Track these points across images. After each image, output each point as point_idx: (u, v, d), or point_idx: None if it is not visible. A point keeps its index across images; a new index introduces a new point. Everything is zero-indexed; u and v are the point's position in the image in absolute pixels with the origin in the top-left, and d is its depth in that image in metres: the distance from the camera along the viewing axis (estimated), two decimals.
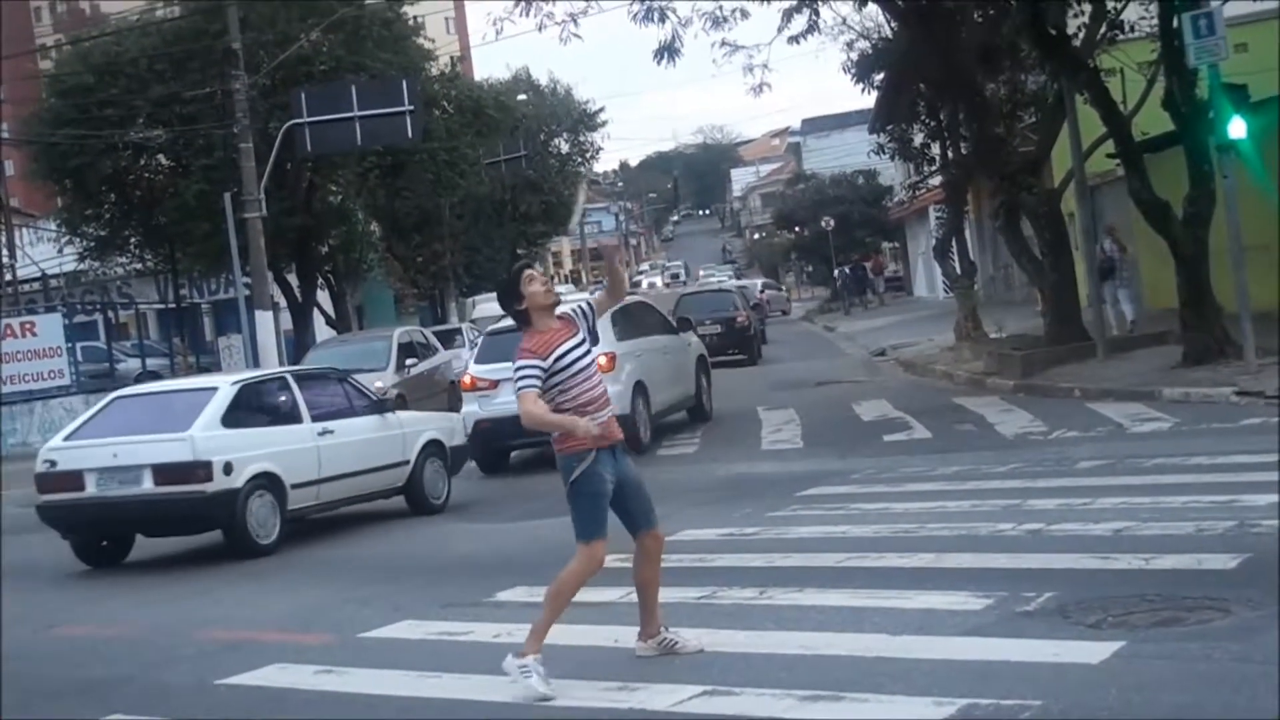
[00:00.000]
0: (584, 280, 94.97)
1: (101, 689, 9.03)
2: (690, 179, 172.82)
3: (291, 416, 14.74)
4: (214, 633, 10.43)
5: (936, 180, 36.21)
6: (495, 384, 19.03)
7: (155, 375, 33.99)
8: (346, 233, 41.74)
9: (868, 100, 36.52)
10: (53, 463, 14.41)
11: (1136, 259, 27.07)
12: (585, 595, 10.19)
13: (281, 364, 32.71)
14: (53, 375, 32.84)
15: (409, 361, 27.84)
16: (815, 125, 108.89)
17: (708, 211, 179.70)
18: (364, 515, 15.81)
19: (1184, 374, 19.16)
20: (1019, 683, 6.91)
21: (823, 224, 68.26)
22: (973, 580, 9.22)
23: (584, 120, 72.71)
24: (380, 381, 26.42)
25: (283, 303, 37.64)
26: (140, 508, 13.83)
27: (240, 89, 30.05)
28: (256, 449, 13.99)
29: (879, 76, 32.06)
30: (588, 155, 74.82)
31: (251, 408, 14.56)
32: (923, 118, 32.66)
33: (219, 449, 13.53)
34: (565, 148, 72.06)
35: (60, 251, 42.94)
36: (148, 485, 13.72)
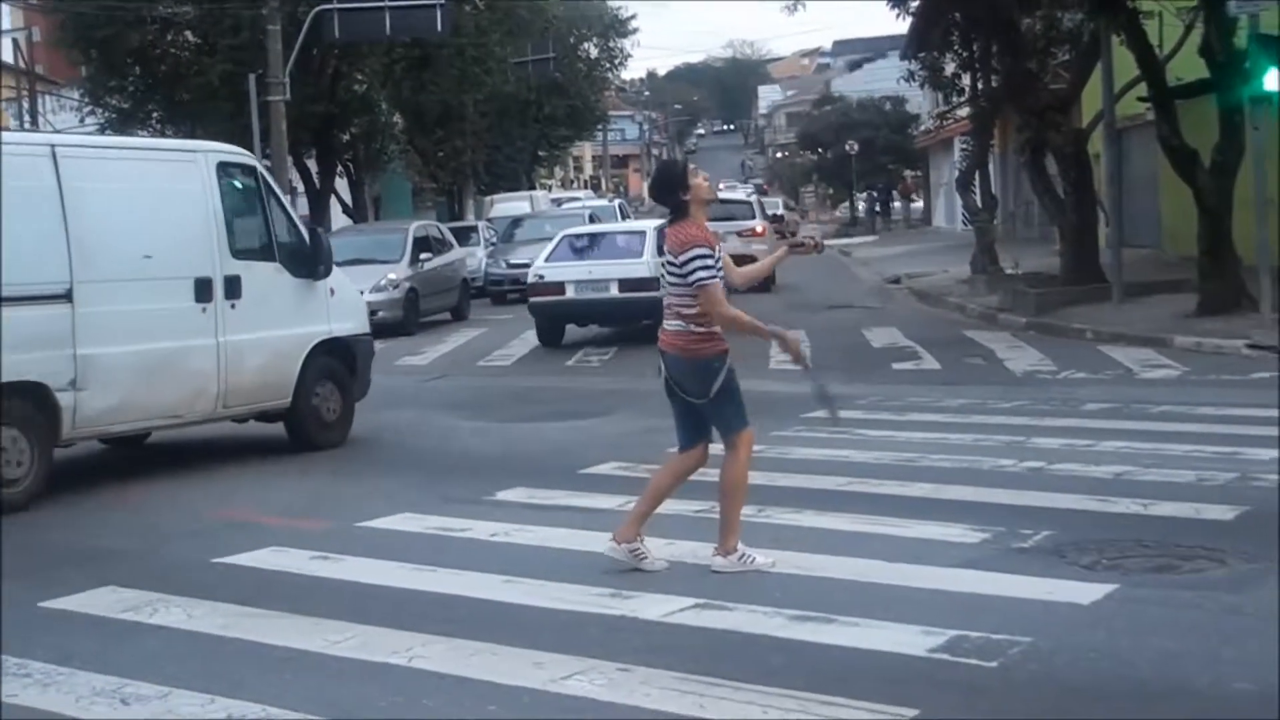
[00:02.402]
0: (603, 187, 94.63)
1: (101, 559, 9.12)
2: (717, 93, 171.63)
3: None
4: (218, 512, 10.51)
5: (964, 112, 35.92)
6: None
7: None
8: (369, 122, 41.53)
9: (901, 26, 36.12)
10: (541, 276, 22.25)
11: None
12: (581, 500, 10.34)
13: None
14: None
15: (423, 255, 27.80)
16: (847, 48, 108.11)
17: (732, 127, 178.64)
18: (378, 410, 15.86)
19: (1198, 323, 19.12)
20: (1009, 618, 6.94)
21: (847, 147, 67.92)
22: (971, 513, 9.24)
23: (615, 26, 72.11)
24: (393, 274, 26.46)
25: (300, 188, 37.56)
26: (608, 306, 21.49)
27: None
28: None
29: (915, 2, 31.74)
30: (616, 62, 74.33)
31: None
32: (955, 48, 32.34)
33: (658, 269, 14.56)
34: (594, 53, 71.51)
35: (81, 121, 42.77)
36: (614, 292, 21.27)
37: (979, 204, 31.70)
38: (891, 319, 24.36)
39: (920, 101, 66.32)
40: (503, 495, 10.67)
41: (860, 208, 74.13)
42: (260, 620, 7.46)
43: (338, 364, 13.88)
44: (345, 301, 14.28)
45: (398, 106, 45.55)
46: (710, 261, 8.01)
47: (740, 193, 49.44)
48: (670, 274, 8.14)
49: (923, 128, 66.22)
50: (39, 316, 11.14)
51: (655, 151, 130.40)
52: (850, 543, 8.70)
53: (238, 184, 13.20)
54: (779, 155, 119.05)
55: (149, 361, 11.88)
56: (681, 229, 8.14)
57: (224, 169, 12.99)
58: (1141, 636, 6.64)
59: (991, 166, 36.58)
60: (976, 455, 11.41)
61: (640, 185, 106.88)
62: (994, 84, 29.78)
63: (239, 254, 12.86)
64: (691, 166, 8.42)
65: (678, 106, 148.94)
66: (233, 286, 12.63)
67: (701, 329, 8.09)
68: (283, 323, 13.17)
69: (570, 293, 21.82)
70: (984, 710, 5.80)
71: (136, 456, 13.53)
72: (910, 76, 35.32)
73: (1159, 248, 31.17)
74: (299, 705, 6.06)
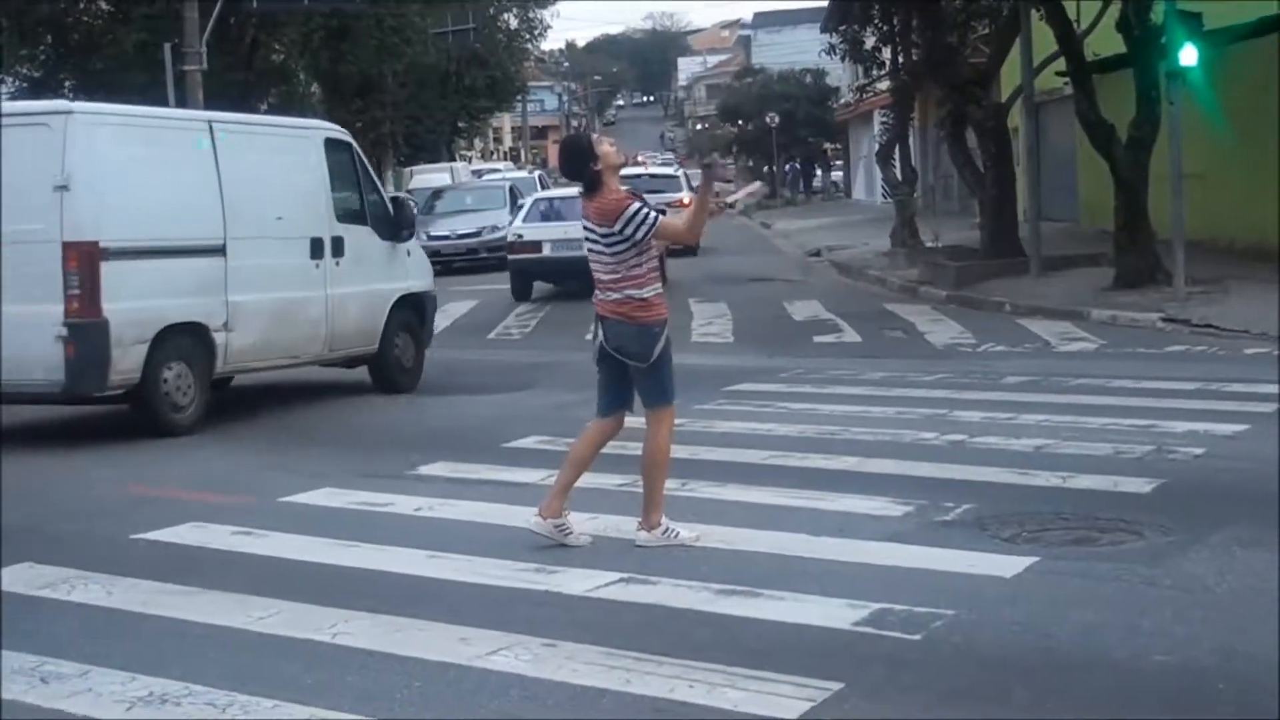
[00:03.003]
0: (523, 158, 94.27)
1: (15, 536, 8.94)
2: (636, 65, 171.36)
3: None
4: (132, 488, 10.38)
5: (885, 85, 36.04)
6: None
7: None
8: (287, 92, 41.15)
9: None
10: (520, 235, 24.97)
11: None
12: (504, 475, 10.31)
13: None
14: None
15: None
16: (767, 19, 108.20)
17: (652, 99, 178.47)
18: (289, 382, 15.72)
19: (1114, 296, 19.34)
20: (933, 591, 6.99)
21: (767, 120, 68.01)
22: (894, 487, 9.30)
23: None
24: None
25: None
26: (582, 263, 18.29)
27: None
28: None
29: None
30: (536, 32, 73.93)
31: None
32: (876, 21, 32.44)
33: None
34: (514, 23, 71.12)
35: None
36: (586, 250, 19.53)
37: (899, 177, 31.83)
38: (813, 292, 24.46)
39: (840, 74, 66.46)
40: (425, 470, 10.62)
41: (783, 180, 74.36)
42: (181, 597, 7.38)
43: (412, 316, 15.60)
44: (418, 262, 16.05)
45: (316, 77, 45.15)
46: (643, 211, 8.00)
47: (667, 167, 49.65)
48: (602, 244, 8.11)
49: (843, 100, 66.42)
50: (199, 267, 12.96)
51: (575, 123, 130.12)
52: (774, 516, 8.72)
53: (339, 157, 14.89)
54: (699, 127, 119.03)
55: (278, 308, 13.71)
56: (602, 198, 8.11)
57: (329, 144, 14.78)
58: (1062, 609, 6.70)
59: (911, 140, 36.71)
60: (899, 428, 11.47)
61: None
62: (914, 58, 29.87)
63: (341, 218, 14.57)
64: (596, 135, 8.38)
65: (597, 78, 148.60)
66: (338, 246, 14.34)
67: (643, 296, 8.08)
68: (374, 279, 14.88)
69: (546, 250, 24.65)
70: (909, 683, 5.83)
71: (47, 432, 13.35)
72: (831, 50, 35.40)
73: (1076, 221, 31.47)
74: (221, 682, 5.99)
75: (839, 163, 74.16)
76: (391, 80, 50.60)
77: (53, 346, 11.95)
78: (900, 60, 31.44)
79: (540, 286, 25.56)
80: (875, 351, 16.65)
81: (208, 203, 13.05)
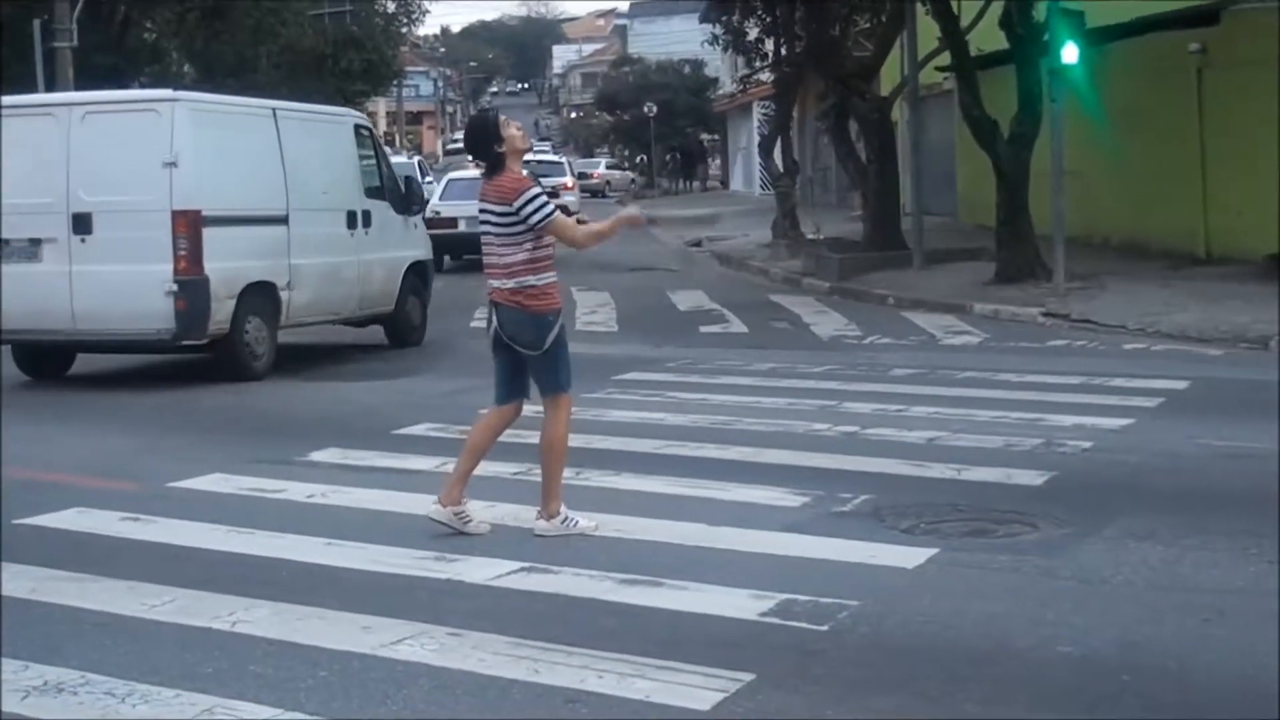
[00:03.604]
0: (398, 143, 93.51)
1: None
2: (511, 52, 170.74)
3: None
4: (13, 471, 10.11)
5: (767, 76, 36.19)
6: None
7: None
8: (159, 73, 40.41)
9: None
10: (438, 212, 26.55)
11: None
12: (396, 462, 10.19)
13: None
14: None
15: None
16: (643, 9, 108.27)
17: (526, 86, 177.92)
18: (171, 365, 15.45)
19: (995, 291, 19.56)
20: (836, 582, 6.99)
21: (645, 109, 68.06)
22: (789, 477, 9.31)
23: None
24: None
25: None
26: None
27: None
28: None
29: None
30: (413, 16, 73.32)
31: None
32: (759, 12, 32.56)
33: None
34: (391, 6, 70.48)
35: None
36: None
37: (781, 169, 31.97)
38: (695, 282, 24.49)
39: (719, 65, 66.71)
40: (316, 456, 10.46)
41: (615, 174, 74.52)
42: (71, 583, 7.20)
43: (419, 280, 17.79)
44: (422, 234, 18.29)
45: (188, 57, 44.44)
46: (543, 198, 7.95)
47: (550, 154, 49.95)
48: (497, 226, 8.02)
49: (722, 92, 66.67)
50: (269, 234, 15.07)
51: (450, 109, 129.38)
52: (671, 506, 8.69)
53: (363, 141, 17.16)
54: (574, 116, 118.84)
55: (326, 271, 15.82)
56: (501, 181, 8.02)
57: (356, 129, 17.24)
58: (965, 600, 6.74)
59: (792, 132, 36.92)
60: (791, 419, 11.50)
61: (435, 143, 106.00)
62: (798, 50, 30.02)
63: (367, 194, 16.79)
64: (504, 118, 8.25)
65: (472, 64, 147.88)
66: (366, 218, 16.56)
67: (537, 283, 8.01)
68: (391, 247, 16.99)
69: (462, 226, 26.67)
70: (819, 673, 5.82)
71: None
72: (714, 40, 35.47)
73: (954, 216, 31.83)
74: (119, 671, 5.85)
75: (716, 159, 74.41)
76: (266, 62, 49.88)
77: (164, 301, 13.88)
78: (783, 52, 31.57)
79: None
80: (762, 342, 16.69)
81: (275, 179, 15.28)
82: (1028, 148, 20.53)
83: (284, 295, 15.14)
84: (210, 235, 14.00)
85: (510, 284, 8.02)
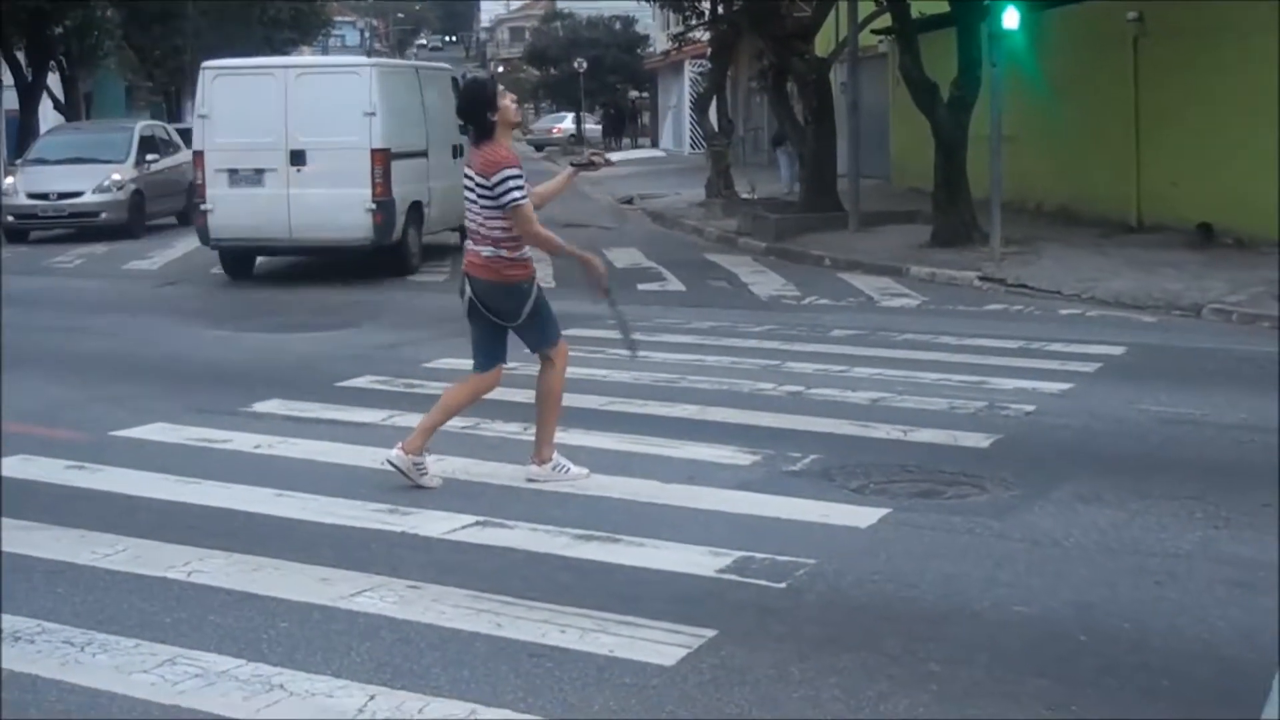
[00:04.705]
0: None
1: None
2: (438, 3, 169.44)
3: None
4: None
5: (703, 35, 36.08)
6: None
7: None
8: (83, 17, 39.79)
9: None
10: None
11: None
12: (341, 414, 10.14)
13: (6, 145, 31.40)
14: None
15: (149, 157, 26.81)
16: None
17: (454, 39, 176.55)
18: (109, 314, 15.28)
19: (932, 254, 19.62)
20: (791, 540, 7.04)
21: (575, 65, 67.70)
22: (737, 436, 9.34)
23: None
24: (118, 174, 25.52)
25: (8, 81, 35.89)
26: None
27: None
28: None
29: None
30: None
31: None
32: None
33: None
34: None
35: None
36: None
37: (716, 128, 31.91)
38: (630, 239, 24.43)
39: (649, 22, 66.47)
40: (259, 407, 10.39)
41: (588, 127, 74.33)
42: (21, 532, 7.14)
43: None
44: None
45: (115, 1, 43.75)
46: (521, 182, 7.95)
47: None
48: (479, 195, 8.04)
49: (650, 49, 66.46)
50: (418, 164, 19.81)
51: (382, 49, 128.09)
52: (621, 463, 8.72)
53: (455, 88, 18.95)
54: (501, 70, 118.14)
55: (446, 192, 19.37)
56: (490, 150, 8.02)
57: (452, 80, 21.19)
58: (920, 560, 6.80)
59: (726, 91, 36.82)
60: (735, 378, 11.51)
61: None
62: (735, 9, 29.93)
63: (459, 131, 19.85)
64: (500, 88, 8.25)
65: (400, 15, 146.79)
66: (458, 151, 19.91)
67: (512, 254, 8.04)
68: (455, 178, 18.50)
69: None
70: (779, 631, 5.86)
71: None
72: None
73: (887, 179, 31.92)
74: (76, 620, 5.82)
75: (645, 116, 74.32)
76: (193, 8, 49.23)
77: (365, 216, 18.49)
78: (720, 11, 31.48)
79: None
80: (700, 301, 16.68)
81: (419, 122, 20.06)
82: (966, 111, 20.59)
83: (427, 211, 20.07)
84: (394, 167, 18.66)
85: (486, 251, 8.04)
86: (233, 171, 18.94)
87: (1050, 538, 7.15)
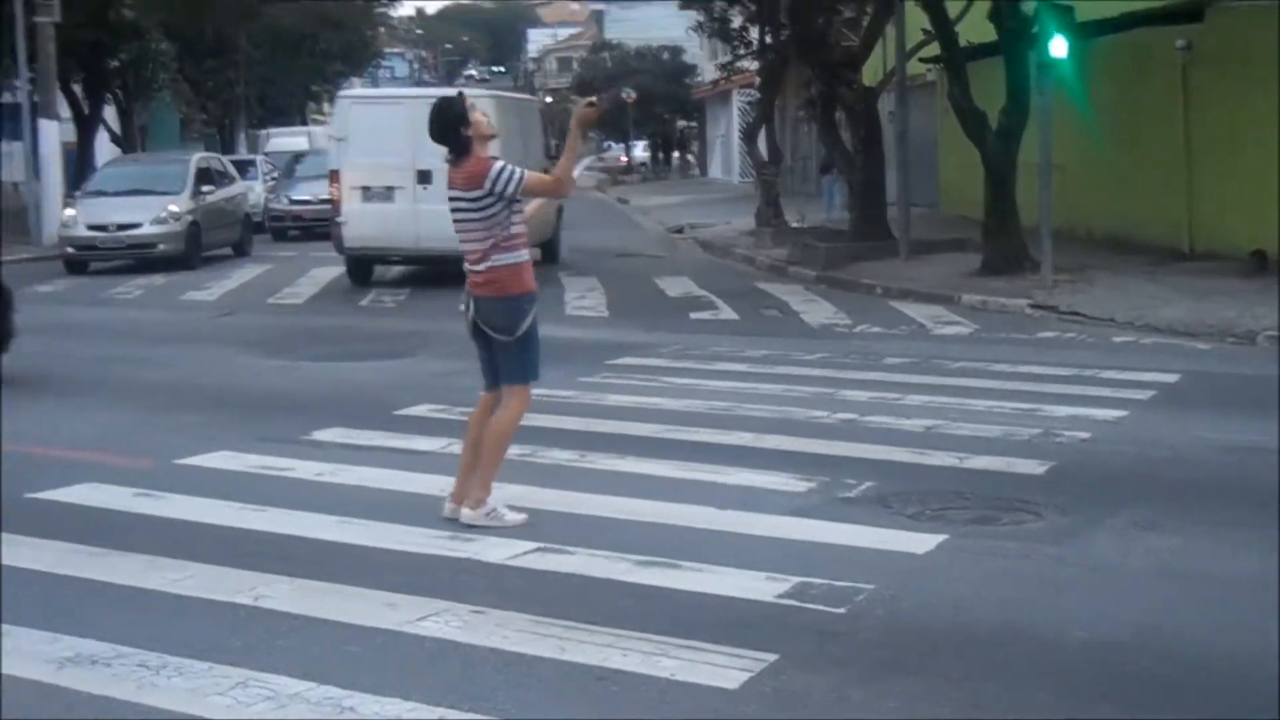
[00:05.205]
0: None
1: None
2: (486, 34, 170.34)
3: None
4: (20, 446, 10.13)
5: (752, 65, 36.17)
6: None
7: None
8: (139, 49, 40.28)
9: None
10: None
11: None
12: (400, 442, 10.25)
13: (65, 176, 31.76)
14: None
15: (205, 188, 27.07)
16: None
17: (502, 69, 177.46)
18: (171, 344, 15.47)
19: (983, 282, 19.65)
20: (849, 566, 7.09)
21: (623, 95, 67.81)
22: (792, 463, 9.39)
23: None
24: (174, 206, 25.80)
25: (66, 114, 36.33)
26: None
27: None
28: None
29: None
30: None
31: None
32: (743, 0, 32.58)
33: None
34: None
35: None
36: None
37: (765, 157, 32.00)
38: (681, 269, 24.50)
39: (698, 52, 66.66)
40: (319, 435, 10.50)
41: (639, 156, 74.73)
42: (92, 558, 7.26)
43: None
44: None
45: (169, 34, 44.29)
46: (510, 167, 7.93)
47: None
48: (469, 210, 7.98)
49: (699, 79, 66.61)
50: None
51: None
52: (677, 489, 8.77)
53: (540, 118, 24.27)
54: (549, 100, 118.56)
55: (537, 208, 20.43)
56: (470, 164, 7.98)
57: (538, 111, 25.39)
58: (978, 585, 6.84)
59: (775, 120, 36.93)
60: (789, 406, 11.56)
61: None
62: (783, 38, 30.05)
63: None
64: (469, 102, 8.18)
65: (448, 46, 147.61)
66: (546, 171, 22.02)
67: (508, 263, 7.98)
68: None
69: None
70: (840, 655, 5.92)
71: None
72: (699, 27, 35.48)
73: (936, 207, 31.95)
74: (150, 644, 5.91)
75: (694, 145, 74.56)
76: (246, 41, 49.81)
77: None
78: (768, 40, 31.60)
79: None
80: (753, 330, 16.75)
81: (521, 146, 21.41)
82: (1015, 140, 20.62)
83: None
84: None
85: (482, 266, 8.00)
86: (366, 188, 21.32)
87: (1109, 563, 7.19)
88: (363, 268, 22.54)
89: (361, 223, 21.37)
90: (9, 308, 13.51)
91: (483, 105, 19.61)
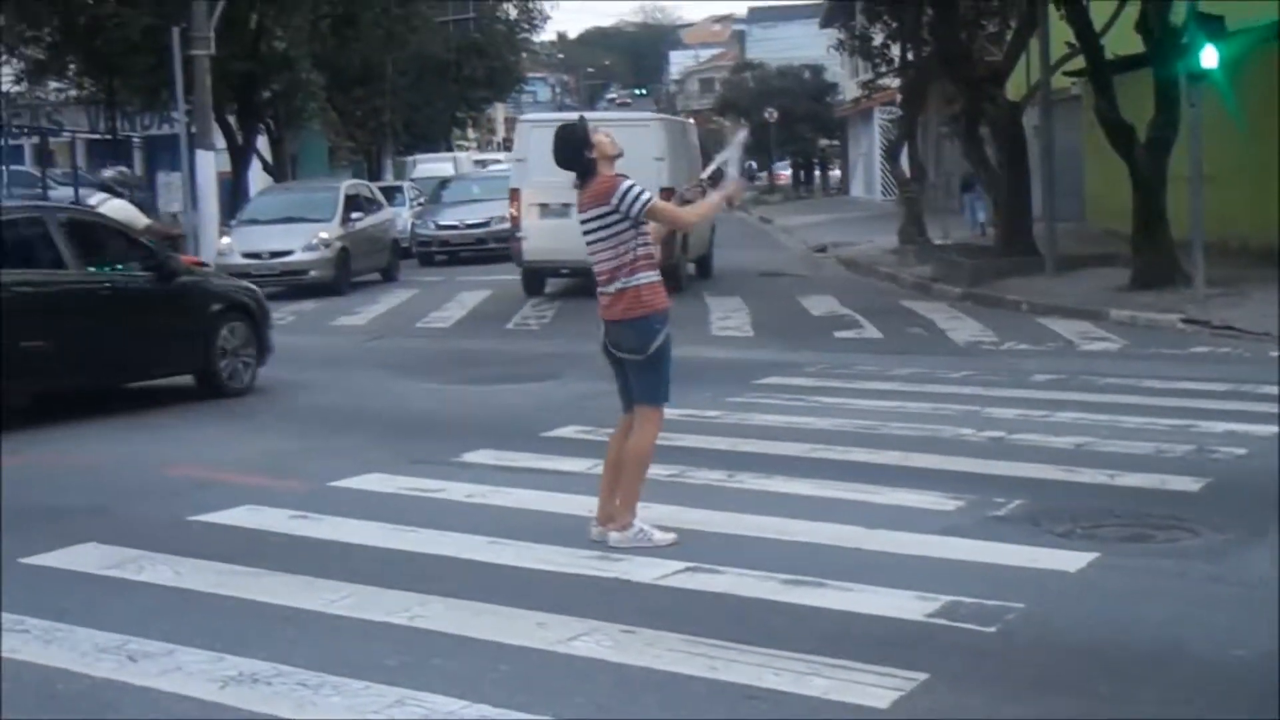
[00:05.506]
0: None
1: (71, 516, 9.00)
2: (628, 58, 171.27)
3: None
4: (183, 470, 10.40)
5: (893, 82, 36.07)
6: None
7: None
8: (290, 79, 41.04)
9: None
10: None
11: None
12: (549, 464, 10.35)
13: (220, 205, 32.43)
14: None
15: (354, 215, 27.56)
16: (762, 14, 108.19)
17: (644, 92, 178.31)
18: (323, 369, 15.74)
19: (1132, 297, 19.38)
20: (999, 584, 7.04)
21: (766, 115, 67.94)
22: (941, 481, 9.34)
23: None
24: (325, 233, 26.28)
25: (220, 144, 37.09)
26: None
27: None
28: None
29: None
30: (534, 23, 73.81)
31: None
32: (884, 17, 32.51)
33: None
34: (514, 13, 71.01)
35: None
36: None
37: (908, 174, 31.85)
38: (825, 287, 24.46)
39: (838, 70, 66.52)
40: (469, 457, 10.64)
41: (783, 176, 74.79)
42: (250, 578, 7.42)
43: None
44: None
45: (318, 64, 45.08)
46: (638, 187, 7.98)
47: None
48: (599, 228, 8.05)
49: (840, 97, 66.45)
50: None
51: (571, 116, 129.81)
52: (825, 508, 8.76)
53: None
54: (691, 121, 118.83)
55: (697, 226, 20.78)
56: (596, 184, 8.06)
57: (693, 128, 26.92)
58: (1132, 603, 6.77)
59: (918, 137, 36.74)
60: (936, 424, 11.50)
61: None
62: (925, 54, 29.92)
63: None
64: (591, 125, 8.26)
65: (590, 70, 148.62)
66: (670, 192, 24.04)
67: (638, 283, 8.00)
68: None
69: None
70: (991, 673, 5.89)
71: (75, 412, 13.37)
72: (840, 45, 35.43)
73: (1082, 221, 31.54)
74: (309, 663, 6.04)
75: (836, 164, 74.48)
76: (392, 69, 50.52)
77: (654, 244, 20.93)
78: (910, 57, 31.47)
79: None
80: (899, 348, 16.69)
81: (687, 165, 22.59)
82: (1166, 152, 20.32)
83: (689, 238, 22.42)
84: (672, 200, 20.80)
85: (611, 288, 8.04)
86: (544, 205, 22.46)
87: (1267, 581, 7.06)
88: (537, 279, 23.92)
89: (539, 238, 22.61)
90: (267, 325, 14.99)
91: (653, 126, 22.72)
